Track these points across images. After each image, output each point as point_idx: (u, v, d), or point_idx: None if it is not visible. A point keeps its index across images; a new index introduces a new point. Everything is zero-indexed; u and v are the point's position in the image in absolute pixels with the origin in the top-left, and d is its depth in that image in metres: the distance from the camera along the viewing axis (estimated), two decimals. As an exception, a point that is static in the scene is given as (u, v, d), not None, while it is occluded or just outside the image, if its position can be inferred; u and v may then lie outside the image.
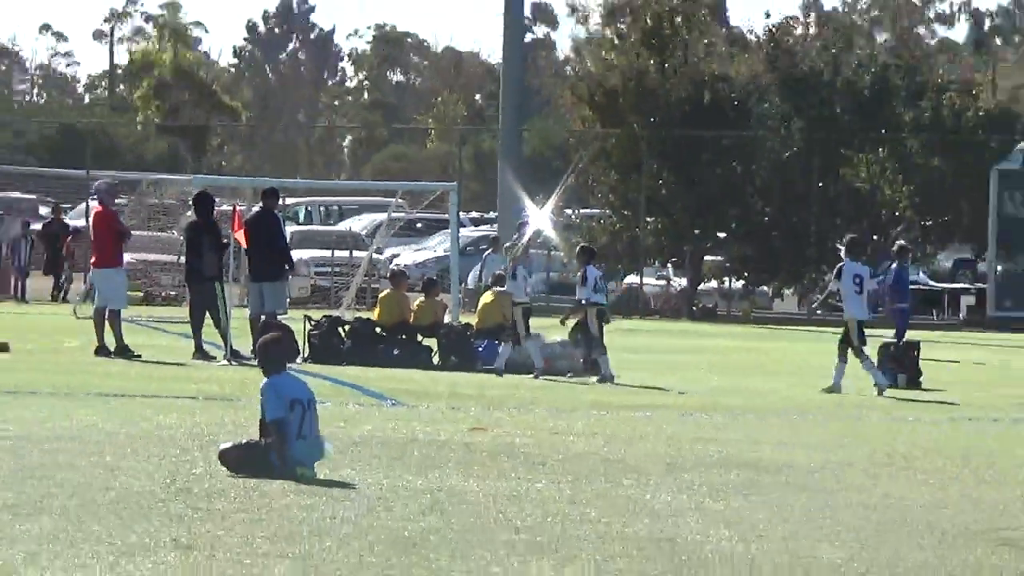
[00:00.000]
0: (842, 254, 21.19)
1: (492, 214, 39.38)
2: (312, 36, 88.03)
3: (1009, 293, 35.68)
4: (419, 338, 22.35)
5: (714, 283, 42.81)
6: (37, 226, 38.10)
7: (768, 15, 52.43)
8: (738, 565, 7.65)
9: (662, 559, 7.70)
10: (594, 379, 20.92)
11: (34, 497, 9.24)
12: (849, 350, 19.94)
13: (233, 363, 20.35)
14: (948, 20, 72.54)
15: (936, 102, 40.63)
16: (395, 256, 31.15)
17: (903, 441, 15.11)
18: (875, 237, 37.79)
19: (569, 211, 40.52)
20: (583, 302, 21.45)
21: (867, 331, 20.69)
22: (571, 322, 22.17)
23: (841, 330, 20.82)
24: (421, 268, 33.43)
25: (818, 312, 35.41)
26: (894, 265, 23.28)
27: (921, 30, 68.65)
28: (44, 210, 40.31)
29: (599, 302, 21.65)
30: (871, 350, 20.82)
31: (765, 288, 42.82)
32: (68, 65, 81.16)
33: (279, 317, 21.12)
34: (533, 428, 15.05)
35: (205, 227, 21.98)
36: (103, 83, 74.24)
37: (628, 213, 41.18)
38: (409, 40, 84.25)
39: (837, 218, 39.48)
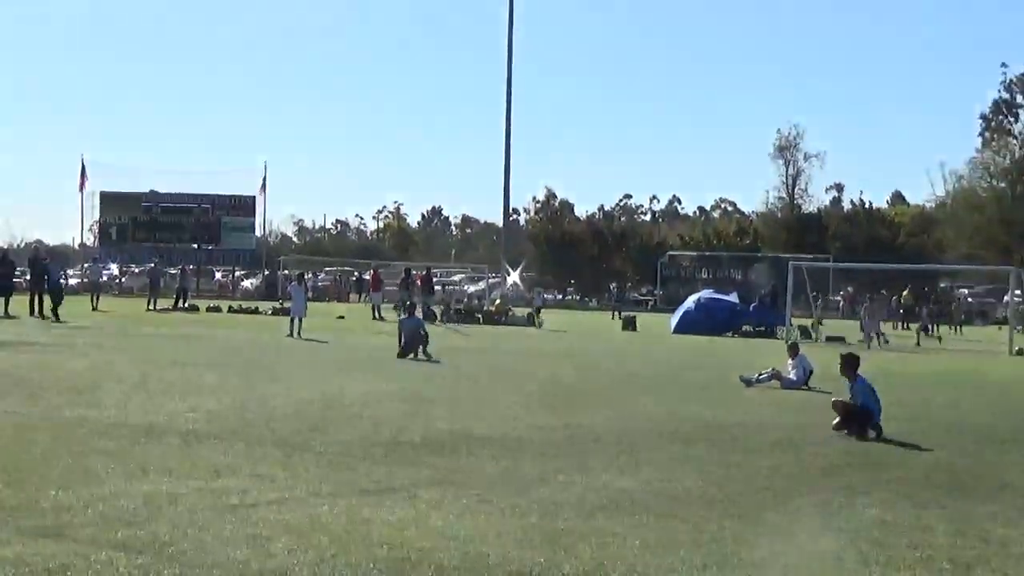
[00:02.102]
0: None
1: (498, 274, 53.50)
2: (442, 217, 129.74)
3: (667, 301, 51.67)
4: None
5: (572, 297, 65.40)
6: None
7: (594, 208, 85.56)
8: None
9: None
10: (532, 327, 32.83)
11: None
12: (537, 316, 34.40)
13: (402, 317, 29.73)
14: (644, 214, 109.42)
15: (640, 239, 69.75)
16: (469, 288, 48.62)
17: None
18: (618, 282, 59.70)
19: (524, 273, 59.87)
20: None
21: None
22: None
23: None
24: (476, 292, 50.39)
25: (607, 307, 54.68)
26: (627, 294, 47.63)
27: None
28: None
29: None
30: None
31: (587, 299, 64.20)
32: (363, 226, 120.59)
33: (431, 307, 33.04)
34: (508, 344, 24.37)
35: (407, 279, 34.98)
36: (376, 233, 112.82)
37: (539, 274, 65.60)
38: (471, 217, 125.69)
39: (610, 280, 61.21)
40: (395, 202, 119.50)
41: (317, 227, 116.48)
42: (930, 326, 31.67)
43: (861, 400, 10.46)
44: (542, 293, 40.01)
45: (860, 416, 10.35)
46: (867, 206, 73.21)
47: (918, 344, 29.86)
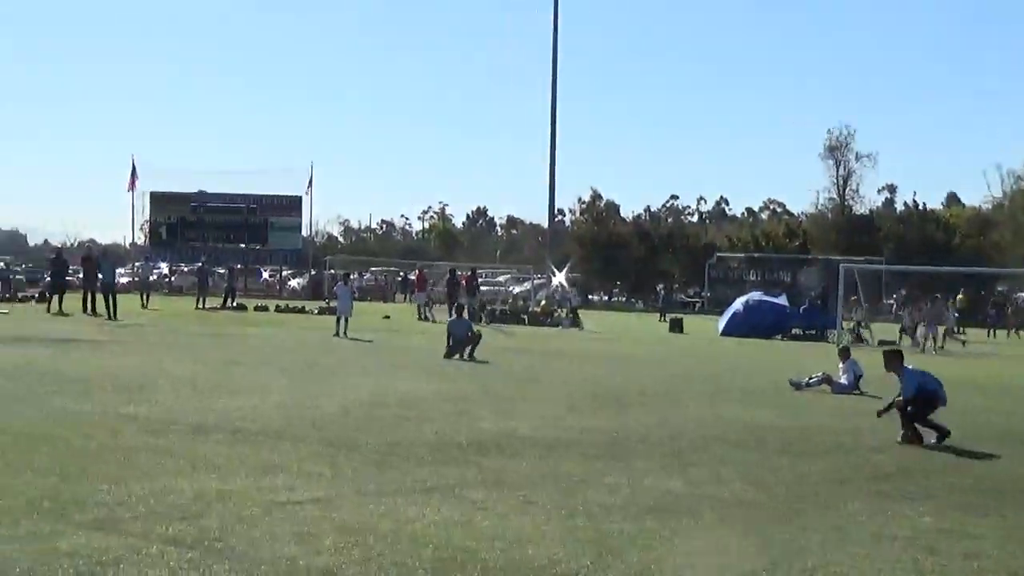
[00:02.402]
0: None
1: (543, 275, 52.66)
2: (487, 218, 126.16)
3: (714, 303, 50.88)
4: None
5: (617, 299, 66.39)
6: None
7: (633, 213, 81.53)
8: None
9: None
10: (576, 328, 32.69)
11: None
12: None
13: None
14: (691, 215, 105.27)
15: (687, 241, 67.41)
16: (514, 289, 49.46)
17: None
18: (665, 284, 55.05)
19: (570, 274, 55.97)
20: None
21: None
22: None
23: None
24: (522, 293, 49.95)
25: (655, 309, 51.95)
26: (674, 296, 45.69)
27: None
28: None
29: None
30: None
31: (634, 300, 65.25)
32: (408, 227, 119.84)
33: (473, 306, 30.44)
34: (553, 345, 23.26)
35: (452, 279, 35.34)
36: (421, 234, 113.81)
37: (585, 276, 62.32)
38: (516, 218, 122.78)
39: (657, 281, 57.88)
40: (440, 203, 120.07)
41: (363, 227, 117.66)
42: (956, 328, 31.11)
43: (915, 385, 10.24)
44: (576, 294, 40.86)
45: (923, 399, 10.13)
46: (921, 207, 71.78)
47: (963, 344, 29.39)
